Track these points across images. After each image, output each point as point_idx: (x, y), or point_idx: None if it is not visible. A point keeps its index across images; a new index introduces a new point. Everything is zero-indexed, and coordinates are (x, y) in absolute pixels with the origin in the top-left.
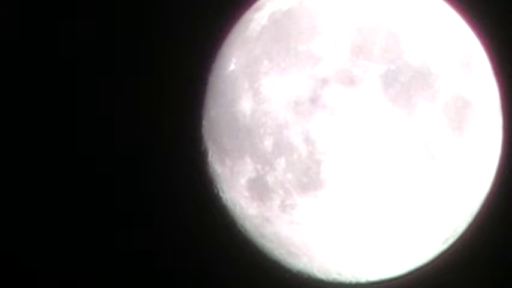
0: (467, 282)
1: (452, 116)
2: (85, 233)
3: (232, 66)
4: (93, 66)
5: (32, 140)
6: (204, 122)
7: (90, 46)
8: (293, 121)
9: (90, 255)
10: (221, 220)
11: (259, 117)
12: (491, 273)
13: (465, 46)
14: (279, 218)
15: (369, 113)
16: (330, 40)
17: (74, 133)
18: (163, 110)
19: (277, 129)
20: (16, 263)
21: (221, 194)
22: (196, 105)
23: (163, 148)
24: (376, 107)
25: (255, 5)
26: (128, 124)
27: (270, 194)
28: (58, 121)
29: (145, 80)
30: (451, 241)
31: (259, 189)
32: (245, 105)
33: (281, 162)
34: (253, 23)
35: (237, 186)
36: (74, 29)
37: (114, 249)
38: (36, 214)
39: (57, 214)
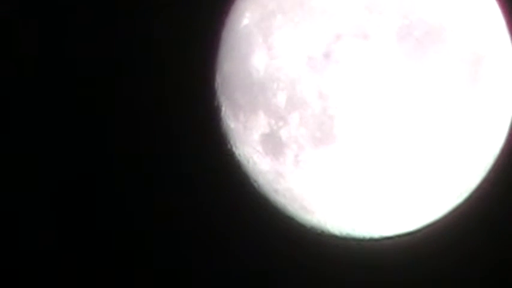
0: (481, 237)
1: (466, 71)
2: (103, 196)
3: (245, 21)
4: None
5: (34, 139)
6: (217, 77)
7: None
8: (306, 76)
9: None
10: (234, 175)
11: (273, 72)
12: (505, 228)
13: (479, 2)
14: (292, 173)
15: (382, 67)
16: None
17: (81, 114)
18: (176, 65)
19: (290, 84)
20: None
21: (234, 149)
22: (210, 60)
23: (176, 104)
24: (390, 61)
25: None
26: (140, 80)
27: (283, 149)
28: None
29: (158, 35)
30: (465, 195)
31: (273, 144)
32: (258, 60)
33: (294, 117)
34: None
35: (250, 141)
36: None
37: (128, 209)
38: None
39: (69, 193)
